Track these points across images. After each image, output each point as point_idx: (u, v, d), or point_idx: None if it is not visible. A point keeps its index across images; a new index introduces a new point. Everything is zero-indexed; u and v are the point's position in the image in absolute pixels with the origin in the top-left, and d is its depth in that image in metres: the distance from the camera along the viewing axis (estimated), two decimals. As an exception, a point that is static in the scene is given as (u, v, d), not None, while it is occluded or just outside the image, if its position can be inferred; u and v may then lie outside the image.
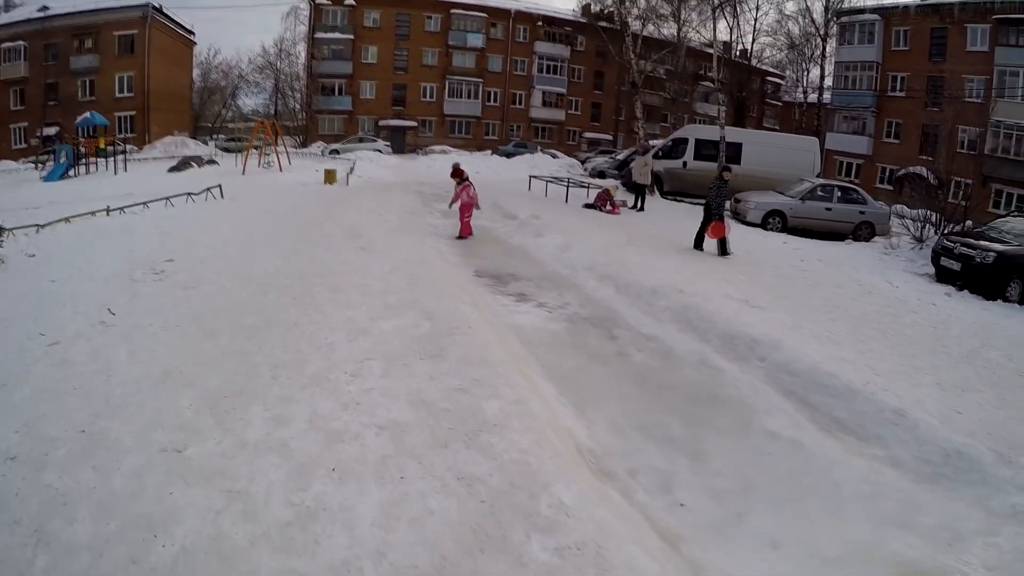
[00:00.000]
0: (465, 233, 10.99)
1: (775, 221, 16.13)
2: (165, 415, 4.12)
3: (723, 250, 11.06)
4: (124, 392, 4.43)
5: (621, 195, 17.69)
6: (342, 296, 6.68)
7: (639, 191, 17.30)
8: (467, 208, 11.00)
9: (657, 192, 19.74)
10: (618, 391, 5.36)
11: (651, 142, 23.47)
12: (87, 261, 7.84)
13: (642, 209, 16.93)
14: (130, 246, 8.67)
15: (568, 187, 17.86)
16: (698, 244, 11.42)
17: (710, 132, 21.16)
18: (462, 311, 6.43)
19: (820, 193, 16.26)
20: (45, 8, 34.98)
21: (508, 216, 13.57)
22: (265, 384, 4.54)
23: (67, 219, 10.44)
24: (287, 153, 25.08)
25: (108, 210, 11.31)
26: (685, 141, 20.87)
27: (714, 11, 24.81)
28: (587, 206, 16.47)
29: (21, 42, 34.43)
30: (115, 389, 4.48)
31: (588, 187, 18.03)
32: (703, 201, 11.29)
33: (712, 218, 10.98)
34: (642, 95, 26.59)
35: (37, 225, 9.76)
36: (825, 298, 8.85)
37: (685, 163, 20.48)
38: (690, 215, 16.10)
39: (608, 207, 16.17)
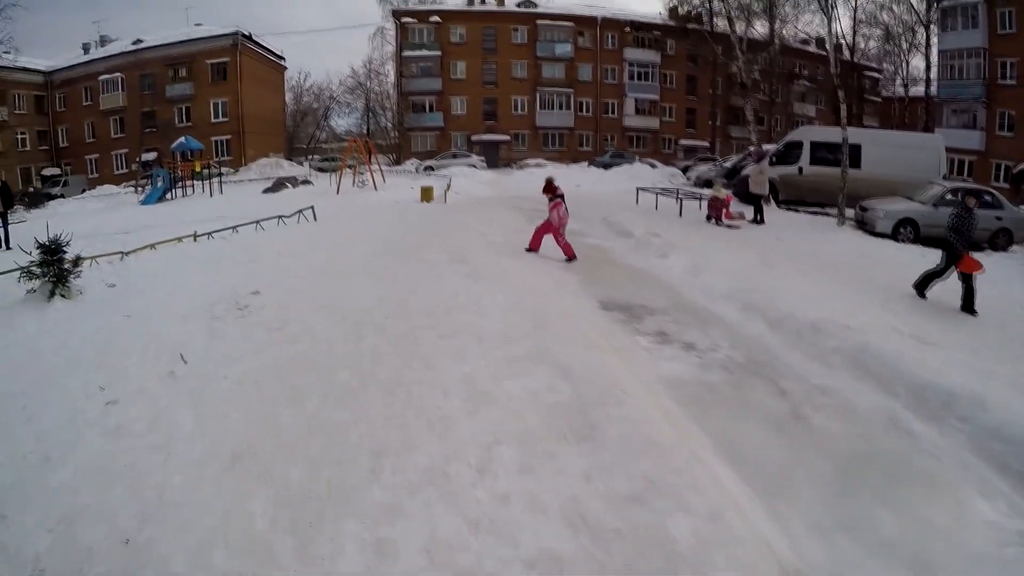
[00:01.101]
0: (569, 254, 9.57)
1: (907, 231, 14.03)
2: (230, 525, 3.06)
3: (969, 301, 7.99)
4: (183, 482, 3.42)
5: (735, 206, 15.82)
6: (454, 343, 5.45)
7: (756, 202, 15.45)
8: (554, 231, 9.64)
9: (773, 202, 17.77)
10: (805, 469, 3.98)
11: (765, 147, 21.48)
12: (167, 293, 7.01)
13: (762, 221, 15.09)
14: (215, 276, 7.78)
15: (680, 199, 16.12)
16: (922, 287, 8.56)
17: (826, 134, 18.96)
18: (607, 365, 5.06)
19: (952, 198, 13.70)
20: (139, 41, 36.55)
21: (622, 234, 11.96)
22: (363, 481, 3.36)
23: (153, 245, 9.80)
24: (381, 171, 24.55)
25: (195, 236, 10.64)
26: (799, 145, 18.80)
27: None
28: (710, 220, 14.76)
29: (119, 74, 36.12)
30: (173, 476, 3.48)
31: (701, 199, 16.27)
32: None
33: (958, 253, 8.08)
34: (751, 98, 24.60)
35: (121, 252, 9.13)
36: (1005, 327, 7.18)
37: (800, 168, 18.44)
38: (815, 227, 14.54)
39: (727, 221, 14.47)
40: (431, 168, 31.91)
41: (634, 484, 3.34)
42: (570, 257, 9.51)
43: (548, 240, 9.65)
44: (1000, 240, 14.14)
